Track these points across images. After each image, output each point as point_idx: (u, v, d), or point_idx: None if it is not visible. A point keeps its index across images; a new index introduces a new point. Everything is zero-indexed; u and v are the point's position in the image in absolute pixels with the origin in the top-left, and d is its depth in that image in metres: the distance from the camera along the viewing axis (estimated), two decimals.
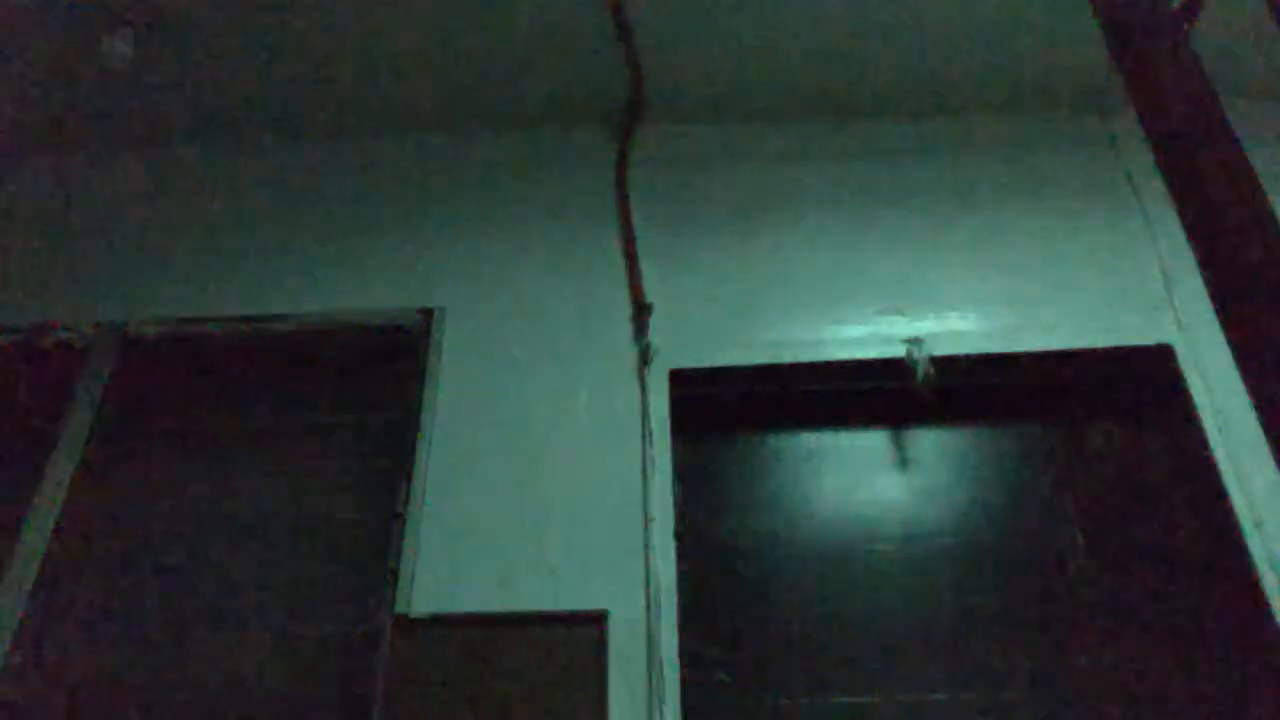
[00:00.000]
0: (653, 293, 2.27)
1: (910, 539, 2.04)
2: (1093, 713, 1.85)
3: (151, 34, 2.29)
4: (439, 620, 1.85)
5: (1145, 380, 2.16)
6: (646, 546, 1.93)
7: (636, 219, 2.41)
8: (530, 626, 1.83)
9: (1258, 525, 1.88)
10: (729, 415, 2.21)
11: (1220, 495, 1.93)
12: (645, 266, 2.32)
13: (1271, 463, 1.86)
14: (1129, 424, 2.16)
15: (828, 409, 2.20)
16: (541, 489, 2.01)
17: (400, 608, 1.87)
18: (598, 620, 1.83)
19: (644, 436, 2.06)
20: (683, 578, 1.92)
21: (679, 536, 1.96)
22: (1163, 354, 2.12)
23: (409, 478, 2.04)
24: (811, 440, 2.18)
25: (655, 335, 2.20)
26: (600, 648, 1.79)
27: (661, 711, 1.75)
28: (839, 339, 2.20)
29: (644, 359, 2.17)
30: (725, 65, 2.46)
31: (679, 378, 2.16)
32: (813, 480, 2.13)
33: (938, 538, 2.04)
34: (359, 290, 2.35)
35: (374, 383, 2.24)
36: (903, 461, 2.14)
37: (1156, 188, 2.29)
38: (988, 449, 2.15)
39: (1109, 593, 1.96)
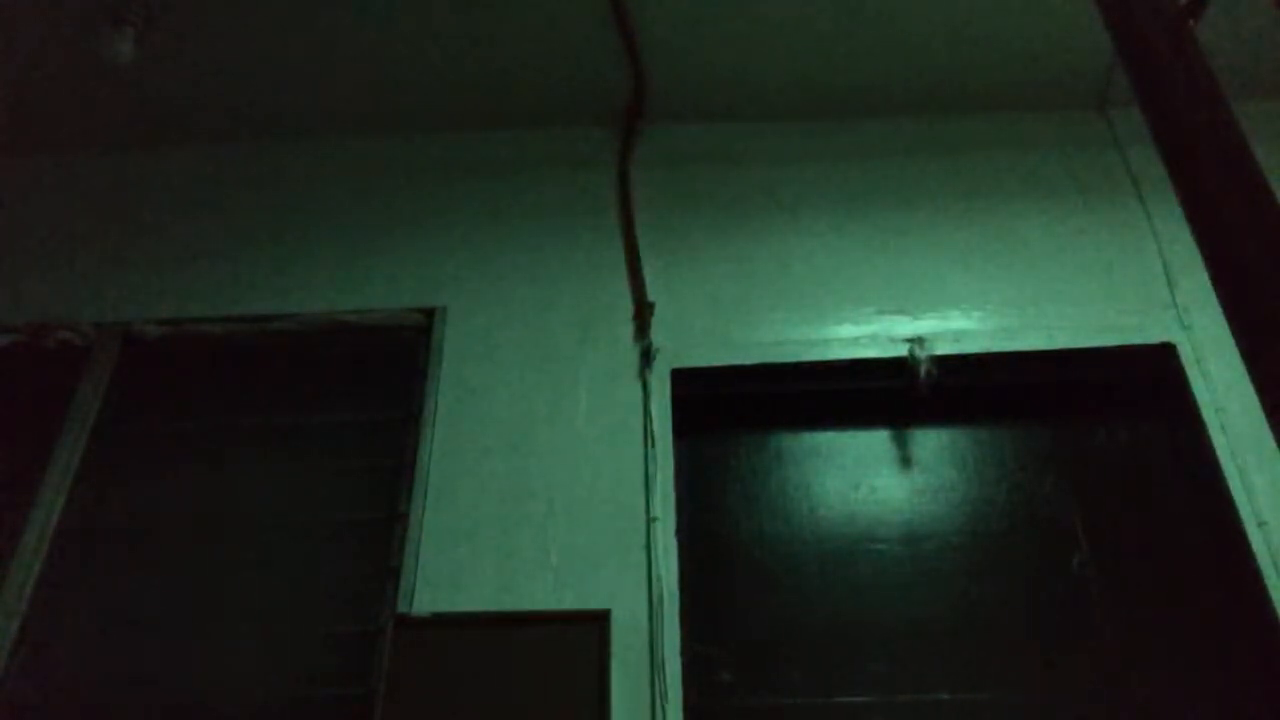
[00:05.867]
0: (654, 292, 2.27)
1: (912, 538, 2.04)
2: (1094, 712, 1.84)
3: (151, 34, 2.29)
4: (439, 620, 1.85)
5: (1148, 379, 2.16)
6: (649, 546, 1.93)
7: (637, 218, 2.41)
8: (532, 626, 1.82)
9: (1260, 524, 1.88)
10: (731, 415, 2.21)
11: (1223, 494, 1.93)
12: (646, 266, 2.32)
13: (1275, 462, 1.87)
14: (1132, 423, 2.16)
15: (830, 408, 2.20)
16: (543, 488, 2.01)
17: (401, 608, 1.87)
18: (600, 620, 1.82)
19: (646, 436, 2.06)
20: (685, 577, 1.91)
21: (681, 536, 1.96)
22: (1165, 353, 2.12)
23: (409, 478, 2.04)
24: (813, 439, 2.18)
25: (657, 335, 2.20)
26: (602, 647, 1.79)
27: (664, 711, 1.75)
28: (840, 338, 2.20)
29: (646, 359, 2.16)
30: (726, 65, 2.46)
31: (681, 377, 2.15)
32: (815, 479, 2.13)
33: (940, 537, 2.04)
34: (359, 290, 2.34)
35: (374, 383, 2.24)
36: (905, 461, 2.14)
37: (1159, 186, 2.31)
38: (990, 448, 2.14)
39: (1111, 592, 1.96)
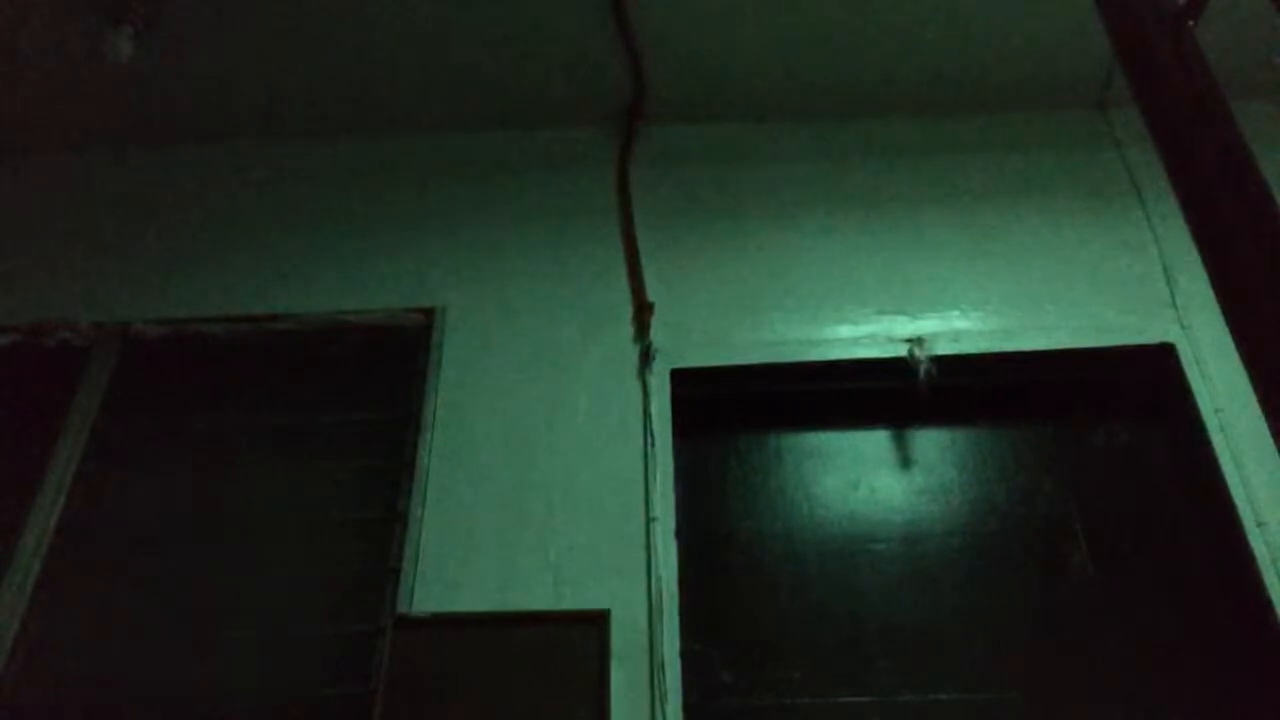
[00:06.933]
0: (654, 292, 2.27)
1: (912, 539, 2.04)
2: (1094, 713, 1.84)
3: (151, 34, 2.29)
4: (439, 620, 1.85)
5: (1147, 379, 2.16)
6: (648, 546, 1.92)
7: (637, 218, 2.41)
8: (531, 626, 1.83)
9: (1260, 525, 1.88)
10: (731, 415, 2.21)
11: (1223, 494, 1.92)
12: (646, 266, 2.32)
13: (1275, 462, 1.87)
14: (1131, 423, 2.16)
15: (829, 409, 2.20)
16: (543, 488, 2.01)
17: (401, 608, 1.87)
18: (599, 620, 1.82)
19: (645, 436, 2.06)
20: (684, 577, 1.91)
21: (681, 536, 1.96)
22: (1165, 353, 2.12)
23: (409, 478, 2.04)
24: (813, 440, 2.18)
25: (657, 335, 2.20)
26: (601, 647, 1.79)
27: (663, 711, 1.75)
28: (840, 338, 2.20)
29: (645, 359, 2.16)
30: (726, 65, 2.46)
31: (680, 377, 2.15)
32: (814, 480, 2.13)
33: (939, 537, 2.04)
34: (359, 290, 2.34)
35: (374, 383, 2.24)
36: (904, 461, 2.14)
37: (1158, 186, 2.31)
38: (990, 448, 2.14)
39: (1111, 592, 1.96)
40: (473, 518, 1.98)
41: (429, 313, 2.28)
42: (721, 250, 2.36)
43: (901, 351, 2.15)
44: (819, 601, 1.98)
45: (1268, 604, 1.80)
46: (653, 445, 2.05)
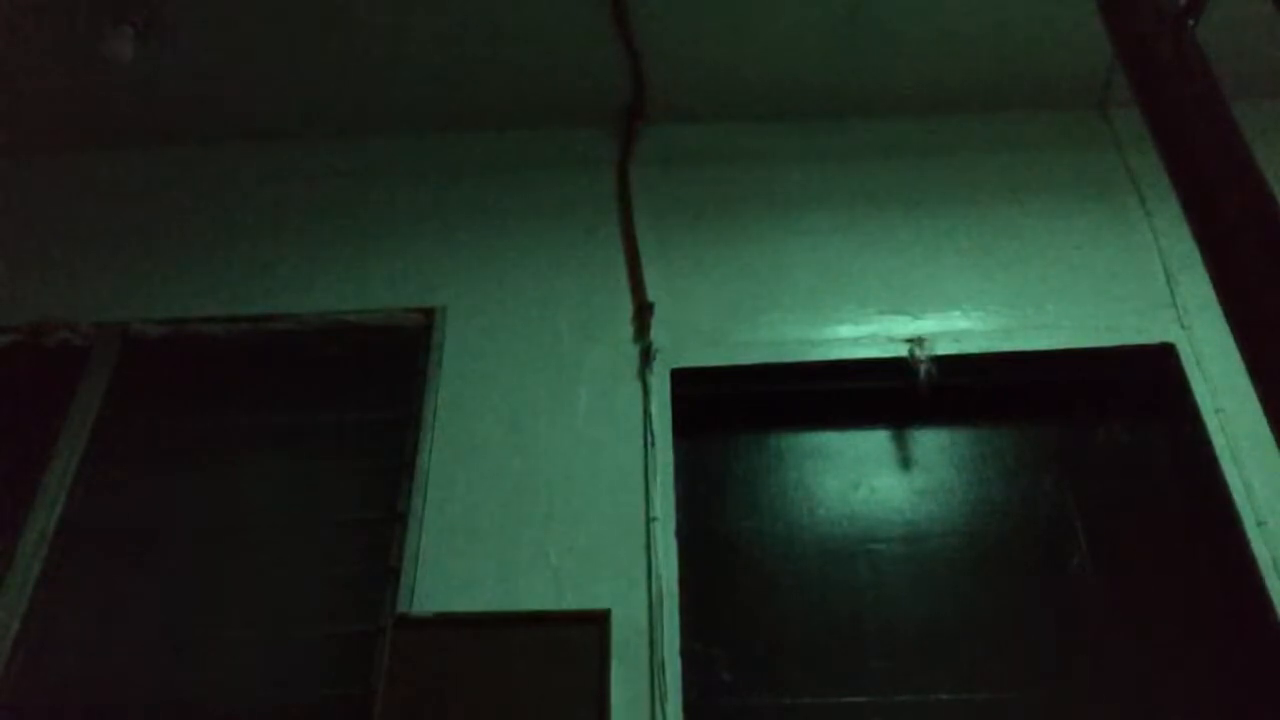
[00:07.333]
0: (654, 292, 2.27)
1: (912, 539, 2.04)
2: (1094, 713, 1.84)
3: (151, 34, 2.29)
4: (439, 620, 1.85)
5: (1148, 379, 2.16)
6: (648, 546, 1.93)
7: (637, 219, 2.41)
8: (531, 626, 1.82)
9: (1260, 524, 1.88)
10: (731, 415, 2.21)
11: (1223, 494, 1.92)
12: (646, 266, 2.32)
13: (1274, 462, 1.86)
14: (1131, 423, 2.16)
15: (830, 408, 2.20)
16: (543, 488, 2.01)
17: (401, 608, 1.87)
18: (599, 620, 1.82)
19: (645, 436, 2.06)
20: (685, 577, 1.91)
21: (681, 536, 1.96)
22: (1165, 353, 2.12)
23: (409, 477, 2.04)
24: (813, 440, 2.18)
25: (657, 335, 2.20)
26: (602, 647, 1.79)
27: (663, 710, 1.75)
28: (841, 338, 2.20)
29: (645, 359, 2.16)
30: (726, 65, 2.46)
31: (681, 377, 2.15)
32: (815, 480, 2.13)
33: (940, 537, 2.04)
34: (359, 290, 2.34)
35: (374, 383, 2.24)
36: (905, 461, 2.14)
37: (1158, 186, 2.31)
38: (990, 448, 2.14)
39: (1111, 592, 1.96)
40: (473, 518, 1.98)
41: (429, 313, 2.28)
42: (721, 250, 2.36)
43: (901, 351, 2.15)
44: (819, 601, 1.98)
45: (1268, 604, 1.79)
46: (653, 445, 2.05)
